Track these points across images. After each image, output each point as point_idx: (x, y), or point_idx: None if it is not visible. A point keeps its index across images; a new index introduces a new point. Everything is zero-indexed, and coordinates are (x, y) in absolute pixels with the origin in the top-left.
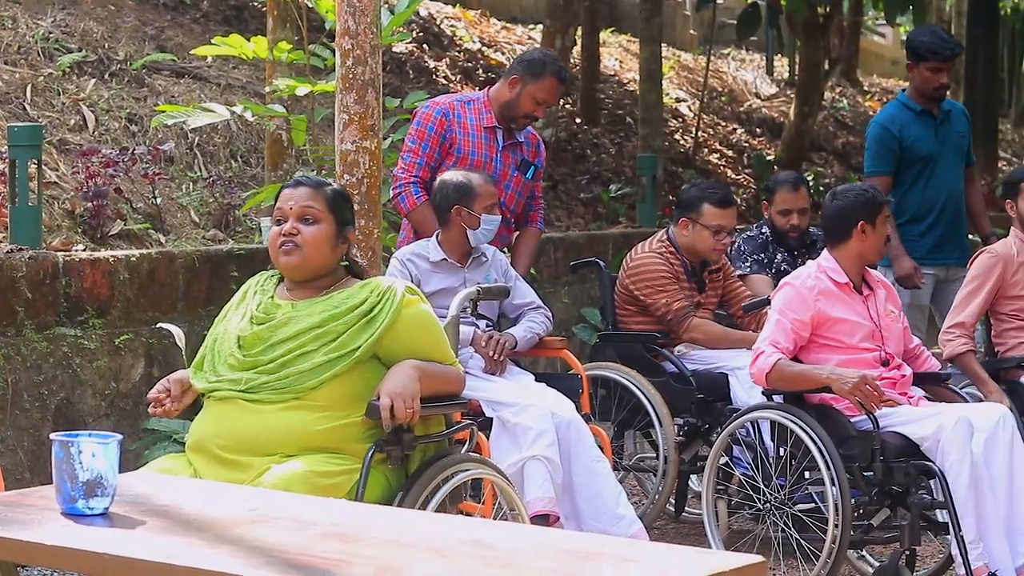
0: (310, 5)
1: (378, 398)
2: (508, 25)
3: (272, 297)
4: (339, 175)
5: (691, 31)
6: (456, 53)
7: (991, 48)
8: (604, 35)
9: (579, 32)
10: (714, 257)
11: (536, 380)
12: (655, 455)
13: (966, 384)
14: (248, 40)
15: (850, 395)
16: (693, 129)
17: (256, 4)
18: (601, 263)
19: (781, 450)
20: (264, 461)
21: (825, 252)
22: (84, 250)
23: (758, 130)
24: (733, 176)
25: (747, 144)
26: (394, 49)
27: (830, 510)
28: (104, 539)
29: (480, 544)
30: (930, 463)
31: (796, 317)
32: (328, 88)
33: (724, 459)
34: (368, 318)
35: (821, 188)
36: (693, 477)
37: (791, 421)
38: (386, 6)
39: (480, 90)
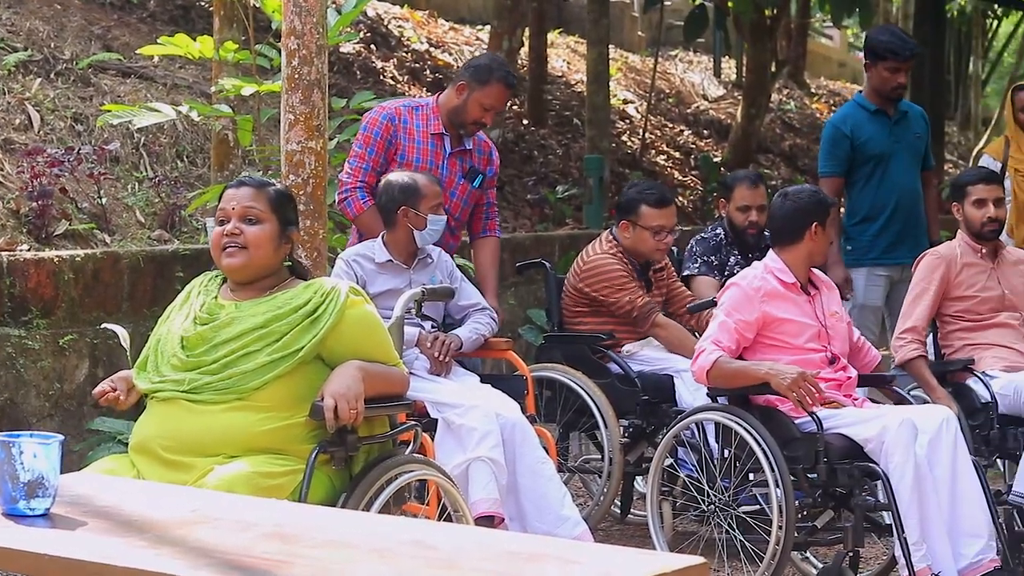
0: (257, 5)
1: (322, 399)
2: (456, 26)
3: (216, 297)
4: (285, 175)
5: (639, 33)
6: (404, 54)
7: (937, 51)
8: (552, 36)
9: (527, 33)
10: (657, 257)
11: (481, 381)
12: (600, 457)
13: (913, 386)
14: (194, 40)
15: (788, 391)
16: (640, 130)
17: (203, 4)
18: (547, 264)
19: (726, 452)
20: (207, 462)
21: (771, 253)
22: (28, 250)
23: (705, 132)
24: (680, 178)
25: (694, 146)
26: (342, 49)
27: (774, 512)
28: (45, 540)
29: (422, 545)
30: (874, 465)
31: (741, 318)
32: (274, 88)
33: (669, 461)
34: (312, 319)
35: (768, 190)
36: (638, 479)
37: (736, 423)
38: (333, 6)
39: (428, 91)
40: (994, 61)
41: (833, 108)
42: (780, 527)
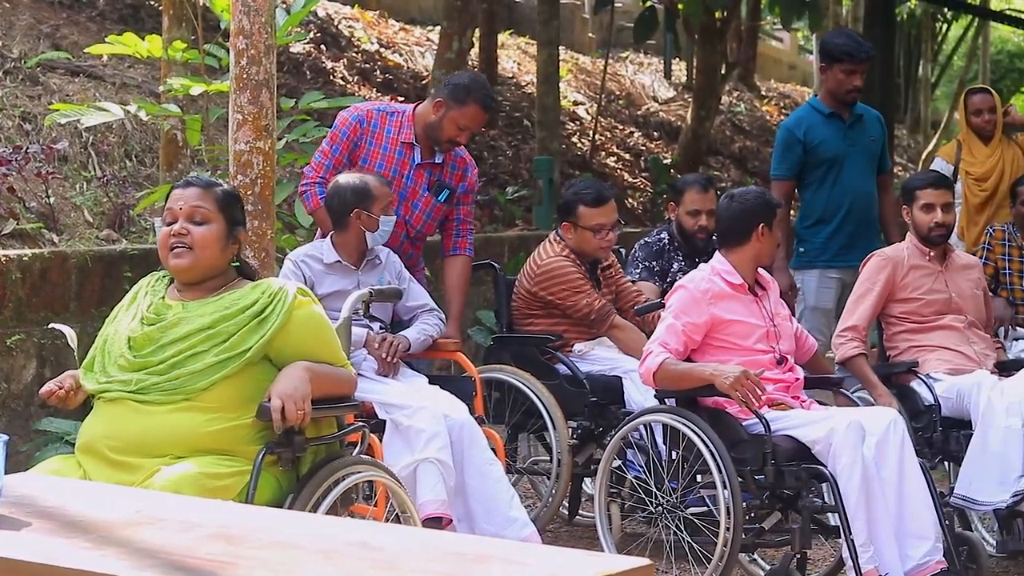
0: (206, 4)
1: (269, 400)
2: (406, 26)
3: (163, 298)
4: (232, 175)
5: (589, 34)
6: (354, 54)
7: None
8: (502, 37)
9: (477, 34)
10: (602, 255)
11: (430, 382)
12: (549, 458)
13: (858, 388)
14: (143, 39)
15: (731, 390)
16: (590, 132)
17: (152, 3)
18: (496, 266)
19: (673, 453)
20: (154, 463)
21: (718, 255)
22: None
23: (655, 133)
24: (630, 179)
25: (644, 147)
26: (291, 49)
27: (722, 513)
28: None
29: (368, 546)
30: (821, 467)
31: (689, 320)
32: (223, 88)
33: (617, 462)
34: (259, 319)
35: (718, 192)
36: (587, 480)
37: (683, 425)
38: (282, 6)
39: (378, 92)
40: (944, 64)
41: (783, 110)
42: (728, 529)
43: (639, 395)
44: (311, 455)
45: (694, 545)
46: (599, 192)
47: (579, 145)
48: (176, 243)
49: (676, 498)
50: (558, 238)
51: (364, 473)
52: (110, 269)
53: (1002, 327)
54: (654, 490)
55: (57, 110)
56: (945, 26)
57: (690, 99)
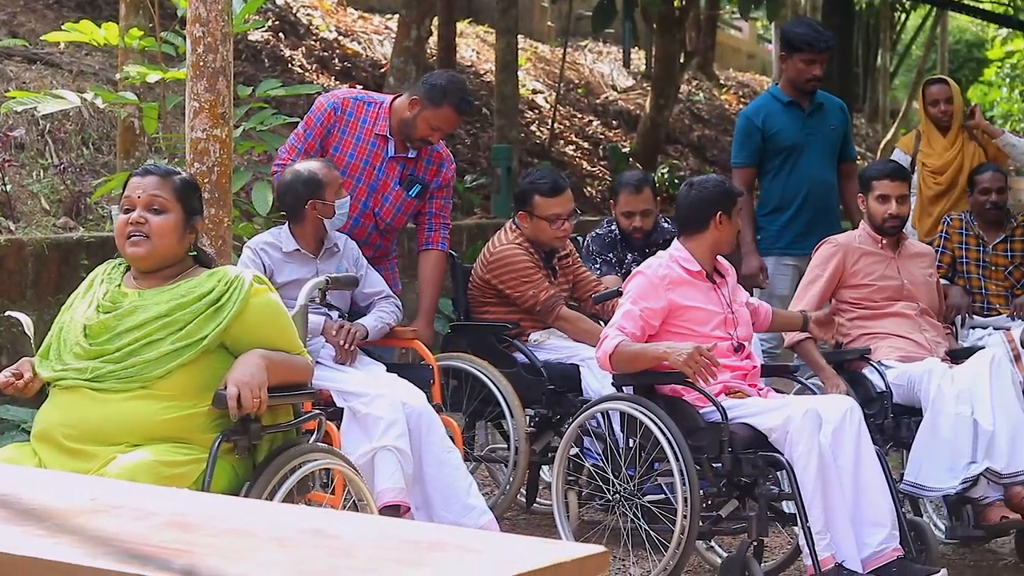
0: None
1: (225, 387)
2: (365, 15)
3: (119, 285)
4: (189, 163)
5: (548, 23)
6: (312, 42)
7: (846, 43)
8: (461, 26)
9: (435, 22)
10: (558, 244)
11: (388, 370)
12: (506, 446)
13: (812, 375)
14: (100, 27)
15: (684, 367)
16: (549, 120)
17: None
18: (454, 254)
19: (631, 441)
20: (110, 451)
21: (676, 242)
22: None
23: (614, 122)
24: (588, 168)
25: (603, 136)
26: (250, 37)
27: (679, 501)
28: None
29: (323, 534)
30: (778, 454)
31: (647, 305)
32: (180, 76)
33: (574, 450)
34: (216, 307)
35: (676, 180)
36: (544, 468)
37: (641, 412)
38: None
39: (336, 80)
40: (902, 54)
41: (742, 99)
42: (685, 516)
43: (596, 383)
44: (267, 443)
45: (651, 533)
46: (555, 182)
47: (538, 134)
48: (133, 232)
49: (633, 486)
50: (514, 227)
51: (321, 461)
52: (67, 257)
53: (959, 315)
54: (611, 478)
55: (14, 98)
56: (903, 15)
57: (649, 88)
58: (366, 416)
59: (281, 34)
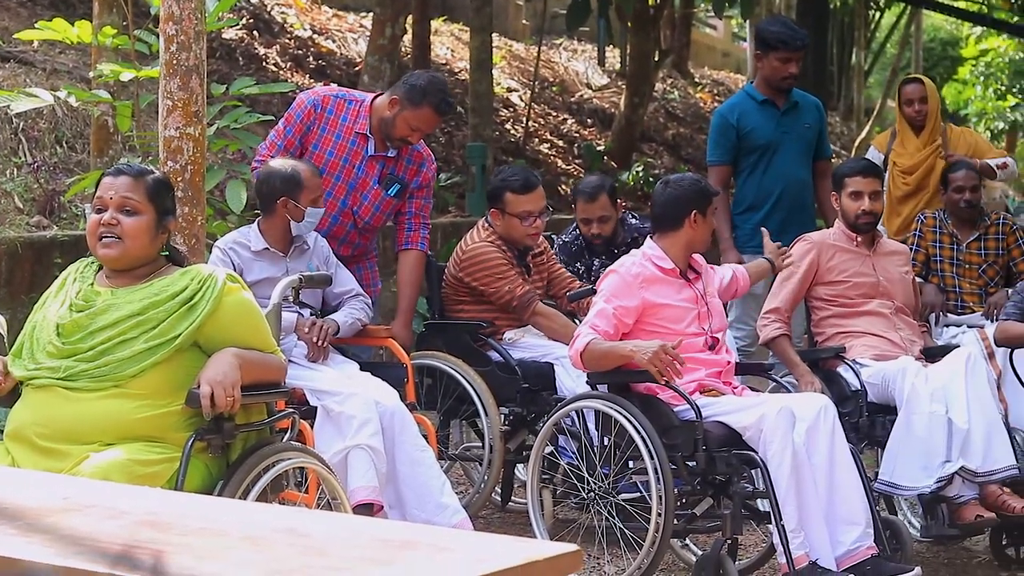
0: None
1: (198, 386)
2: (339, 13)
3: (92, 284)
4: (163, 161)
5: (523, 21)
6: (287, 40)
7: (820, 41)
8: (435, 24)
9: (410, 20)
10: (530, 242)
11: (361, 369)
12: (481, 444)
13: (787, 373)
14: (73, 25)
15: (650, 364)
16: (524, 119)
17: None
18: (429, 252)
19: (605, 440)
20: (83, 450)
21: (649, 240)
22: None
23: (589, 120)
24: (563, 166)
25: (578, 134)
26: (224, 35)
27: (653, 499)
28: None
29: (295, 533)
30: (752, 452)
31: (620, 303)
32: (153, 74)
33: (549, 448)
34: (189, 305)
35: (652, 179)
36: (519, 466)
37: (615, 411)
38: None
39: (311, 78)
40: (877, 52)
41: (717, 98)
42: (659, 514)
43: (571, 381)
44: (241, 442)
45: (626, 531)
46: (526, 179)
47: (512, 132)
48: (105, 233)
49: (608, 484)
50: (487, 225)
51: (294, 460)
52: (40, 255)
53: (933, 313)
54: (586, 476)
55: None
56: (878, 13)
57: (624, 86)
58: (339, 415)
59: (255, 32)
